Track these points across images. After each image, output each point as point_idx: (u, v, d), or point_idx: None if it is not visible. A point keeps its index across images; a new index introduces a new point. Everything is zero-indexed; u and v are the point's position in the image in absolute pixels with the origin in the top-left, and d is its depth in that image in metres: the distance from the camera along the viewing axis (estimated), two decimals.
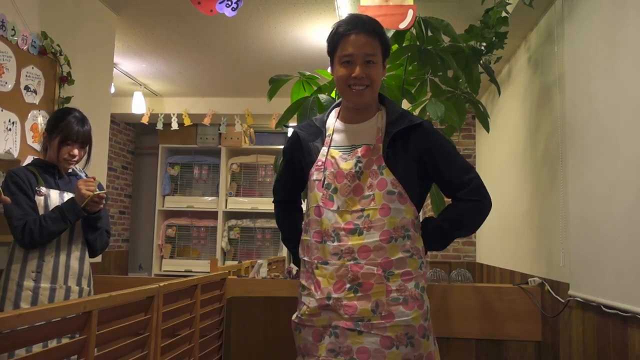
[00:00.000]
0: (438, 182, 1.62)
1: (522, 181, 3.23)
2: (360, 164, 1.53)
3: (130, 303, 1.76)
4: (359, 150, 1.55)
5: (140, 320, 1.83)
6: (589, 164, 2.17)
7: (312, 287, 1.54)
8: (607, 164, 2.00)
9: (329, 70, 3.23)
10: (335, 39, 1.56)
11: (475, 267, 4.58)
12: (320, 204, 1.54)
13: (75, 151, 2.15)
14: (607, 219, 2.00)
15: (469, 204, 1.57)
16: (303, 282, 1.60)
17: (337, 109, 1.69)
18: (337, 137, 1.61)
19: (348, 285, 1.48)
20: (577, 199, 2.29)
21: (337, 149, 1.58)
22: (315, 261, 1.54)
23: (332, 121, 1.65)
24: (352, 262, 1.48)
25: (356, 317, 1.46)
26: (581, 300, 2.23)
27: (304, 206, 1.81)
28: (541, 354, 2.73)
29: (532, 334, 2.73)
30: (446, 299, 2.77)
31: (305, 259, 1.60)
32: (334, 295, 1.48)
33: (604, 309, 2.00)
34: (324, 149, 1.60)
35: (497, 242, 3.90)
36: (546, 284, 2.66)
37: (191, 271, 5.77)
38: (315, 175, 1.58)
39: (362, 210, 1.51)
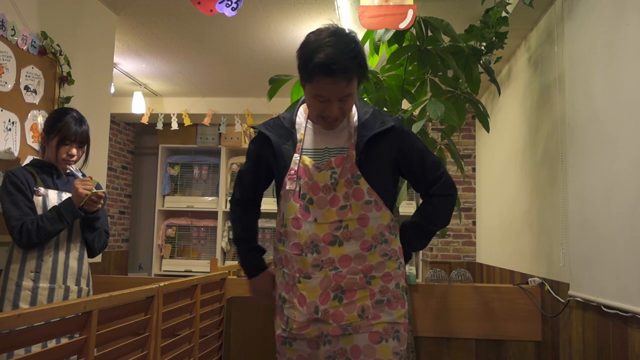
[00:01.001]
0: (410, 180, 1.62)
1: (522, 181, 3.23)
2: (335, 175, 1.49)
3: (130, 303, 1.77)
4: (333, 160, 1.50)
5: (140, 320, 1.83)
6: (588, 164, 2.17)
7: (296, 301, 1.50)
8: (607, 164, 2.00)
9: None
10: (310, 72, 1.40)
11: (475, 267, 4.58)
12: (299, 215, 1.50)
13: (74, 151, 2.15)
14: (607, 218, 2.00)
15: (442, 198, 1.58)
16: (283, 294, 1.56)
17: (305, 107, 1.59)
18: (309, 140, 1.55)
19: (332, 294, 1.48)
20: (577, 199, 2.29)
21: (309, 155, 1.53)
22: (297, 274, 1.50)
23: (302, 122, 1.57)
24: (333, 272, 1.47)
25: (344, 324, 1.47)
26: (581, 300, 2.23)
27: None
28: (541, 354, 2.73)
29: (532, 334, 2.73)
30: (446, 299, 2.77)
31: (285, 270, 1.56)
32: (322, 307, 1.47)
33: (603, 308, 2.00)
34: (295, 157, 1.53)
35: (497, 242, 3.91)
36: (546, 284, 2.66)
37: (191, 271, 5.77)
38: (288, 185, 1.52)
39: (340, 221, 1.48)
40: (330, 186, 1.49)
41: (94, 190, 2.06)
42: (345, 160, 1.50)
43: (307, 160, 1.52)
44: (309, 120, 1.57)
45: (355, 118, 1.55)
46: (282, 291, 1.57)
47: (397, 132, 1.54)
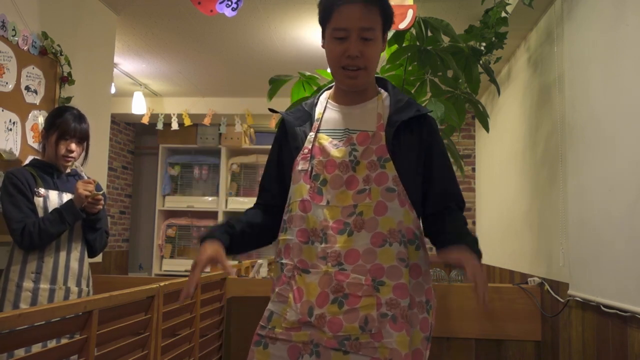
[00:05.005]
0: (424, 187, 1.38)
1: (522, 181, 3.23)
2: (355, 152, 1.31)
3: (130, 303, 1.77)
4: (355, 136, 1.33)
5: (140, 320, 1.83)
6: (588, 164, 2.17)
7: (291, 296, 1.28)
8: (607, 164, 2.00)
9: (328, 70, 3.23)
10: (327, 7, 1.32)
11: None
12: (307, 197, 1.29)
13: (73, 146, 2.15)
14: (606, 218, 2.00)
15: (461, 215, 1.42)
16: (277, 288, 1.32)
17: (329, 91, 1.47)
18: (328, 119, 1.39)
19: (332, 297, 1.24)
20: (576, 199, 2.29)
21: (326, 134, 1.36)
22: (299, 266, 1.29)
23: (323, 103, 1.43)
24: (336, 269, 1.25)
25: (341, 335, 1.22)
26: (580, 300, 2.24)
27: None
28: (541, 354, 2.73)
29: (532, 334, 2.73)
30: (446, 299, 2.78)
31: (285, 261, 1.33)
32: (317, 311, 1.24)
33: (603, 308, 2.00)
34: (310, 135, 1.36)
35: (497, 242, 3.91)
36: (546, 284, 2.66)
37: None
38: (301, 165, 1.33)
39: (355, 206, 1.28)
40: (349, 164, 1.30)
41: (94, 192, 2.07)
42: (372, 139, 1.32)
43: (324, 137, 1.35)
44: (329, 100, 1.43)
45: (387, 102, 1.40)
46: (277, 285, 1.33)
47: (430, 124, 1.40)
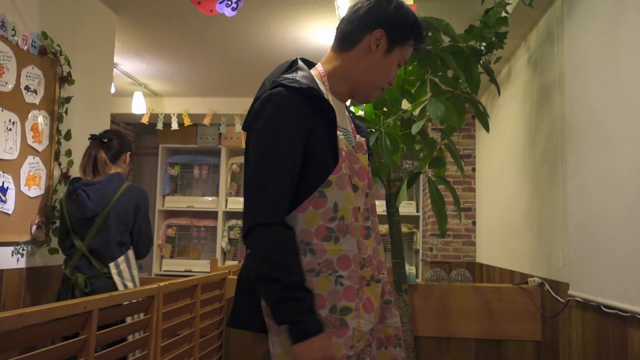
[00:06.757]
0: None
1: (522, 181, 3.23)
2: (368, 158, 1.36)
3: (130, 303, 1.77)
4: (363, 142, 1.36)
5: (140, 320, 1.83)
6: (588, 164, 2.17)
7: (361, 307, 1.23)
8: (607, 164, 2.00)
9: None
10: (411, 34, 1.32)
11: (475, 267, 4.59)
12: (356, 205, 1.26)
13: None
14: (606, 218, 2.00)
15: None
16: (347, 303, 1.19)
17: (319, 73, 1.32)
18: (337, 116, 1.29)
19: None
20: (576, 199, 2.29)
21: (342, 134, 1.27)
22: (366, 276, 1.27)
23: (327, 94, 1.29)
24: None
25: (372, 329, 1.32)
26: (581, 300, 2.24)
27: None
28: (541, 354, 2.73)
29: (532, 334, 2.73)
30: (446, 299, 2.78)
31: (345, 273, 1.20)
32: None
33: (603, 308, 2.00)
34: (339, 134, 1.25)
35: (496, 242, 3.91)
36: (546, 284, 2.66)
37: (191, 271, 5.77)
38: (344, 168, 1.22)
39: (367, 209, 1.32)
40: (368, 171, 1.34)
41: None
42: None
43: (343, 139, 1.26)
44: (329, 92, 1.31)
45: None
46: (338, 301, 1.18)
47: None
